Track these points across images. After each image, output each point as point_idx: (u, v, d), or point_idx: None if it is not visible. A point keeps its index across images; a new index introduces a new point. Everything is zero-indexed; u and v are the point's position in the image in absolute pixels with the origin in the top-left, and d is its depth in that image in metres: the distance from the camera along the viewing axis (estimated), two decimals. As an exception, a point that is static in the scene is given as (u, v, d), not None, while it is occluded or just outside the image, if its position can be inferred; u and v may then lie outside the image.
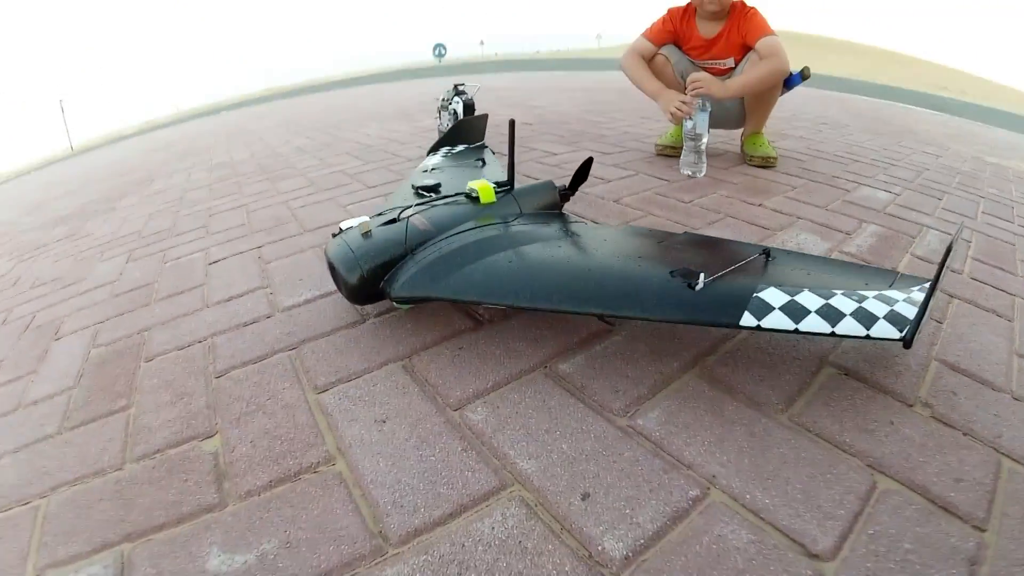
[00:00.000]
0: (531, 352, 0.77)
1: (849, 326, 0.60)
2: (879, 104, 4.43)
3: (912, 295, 0.66)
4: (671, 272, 0.70)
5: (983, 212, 1.56)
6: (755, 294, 0.65)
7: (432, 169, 1.37)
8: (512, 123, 0.98)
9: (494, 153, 1.69)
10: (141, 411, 0.77)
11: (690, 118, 1.57)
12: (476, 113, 2.08)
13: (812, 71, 1.74)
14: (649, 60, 1.81)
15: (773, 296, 0.64)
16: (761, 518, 0.52)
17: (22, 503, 0.64)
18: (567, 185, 1.09)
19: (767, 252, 0.76)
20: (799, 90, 1.83)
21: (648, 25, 1.85)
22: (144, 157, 4.47)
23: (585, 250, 0.83)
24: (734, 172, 1.72)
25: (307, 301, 1.01)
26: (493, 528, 0.51)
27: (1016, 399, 0.70)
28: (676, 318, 0.66)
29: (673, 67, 1.80)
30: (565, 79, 6.21)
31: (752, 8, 1.70)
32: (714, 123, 1.69)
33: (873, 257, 1.12)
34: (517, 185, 1.02)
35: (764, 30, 1.65)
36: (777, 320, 0.62)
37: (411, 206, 0.92)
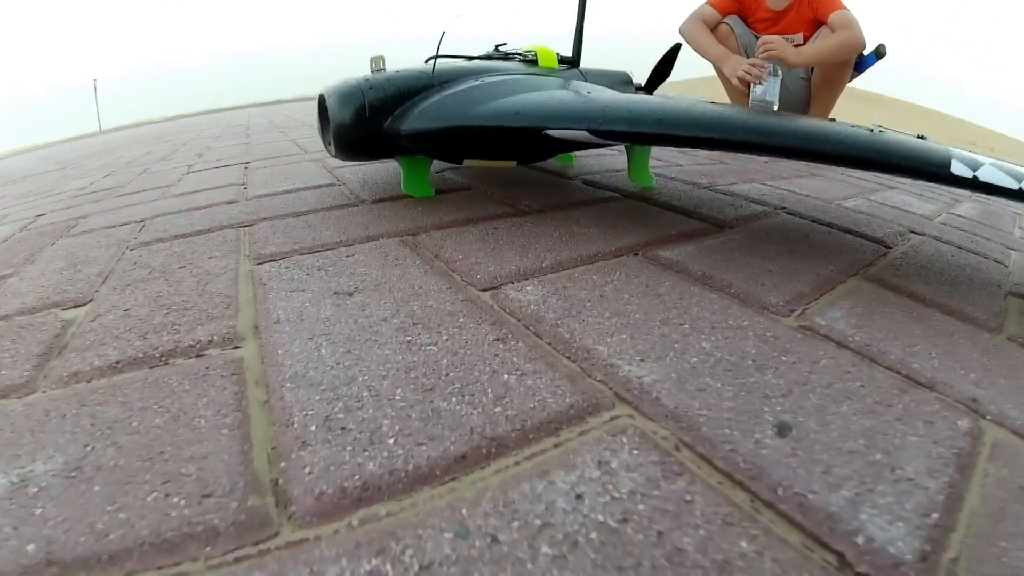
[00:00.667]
0: (609, 237, 0.46)
1: None
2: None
3: None
4: (831, 118, 0.44)
5: None
6: (952, 148, 0.40)
7: None
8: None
9: None
10: (22, 279, 0.48)
11: (760, 83, 1.27)
12: None
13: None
14: (712, 29, 1.53)
15: (973, 157, 0.39)
16: None
17: None
18: (643, 84, 0.79)
19: (922, 136, 0.46)
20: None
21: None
22: (167, 128, 4.28)
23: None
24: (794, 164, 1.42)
25: (286, 192, 0.70)
26: (579, 494, 0.19)
27: None
28: (867, 156, 0.38)
29: (737, 39, 1.51)
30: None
31: None
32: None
33: (989, 221, 0.82)
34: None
35: (837, 4, 1.38)
36: (994, 175, 0.37)
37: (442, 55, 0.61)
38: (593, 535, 0.17)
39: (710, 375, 0.25)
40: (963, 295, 0.40)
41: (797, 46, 1.43)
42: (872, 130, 0.39)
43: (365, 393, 0.24)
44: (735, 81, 1.36)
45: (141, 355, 0.29)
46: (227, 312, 0.33)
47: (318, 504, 0.18)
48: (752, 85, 1.28)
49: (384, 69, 0.54)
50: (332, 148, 0.54)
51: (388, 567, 0.16)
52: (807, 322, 0.32)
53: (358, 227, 0.50)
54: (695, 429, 0.22)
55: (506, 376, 0.26)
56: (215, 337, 0.30)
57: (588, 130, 0.42)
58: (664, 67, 0.80)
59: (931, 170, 0.36)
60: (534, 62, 0.64)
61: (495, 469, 0.20)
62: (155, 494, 0.19)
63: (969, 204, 0.98)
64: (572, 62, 0.70)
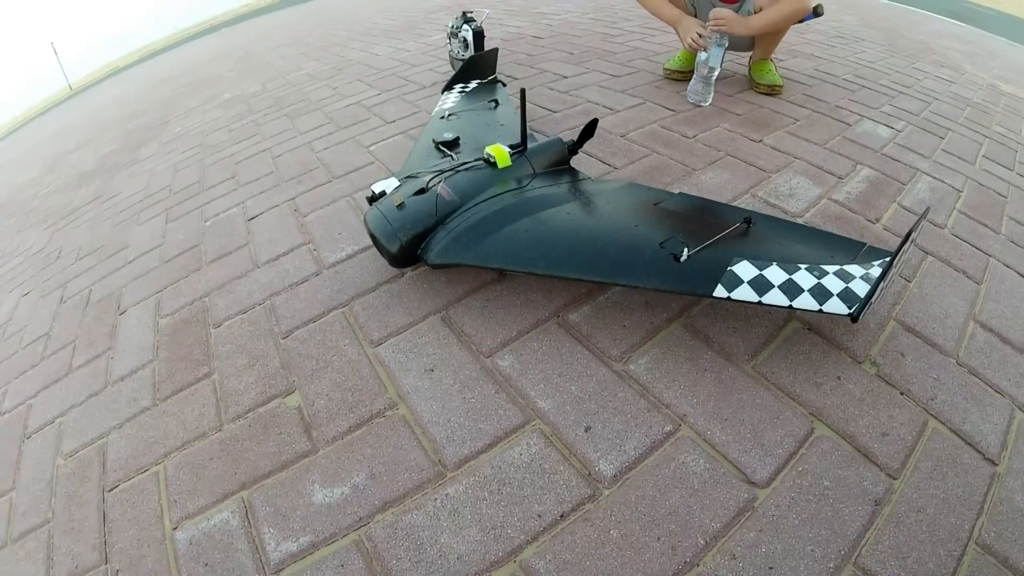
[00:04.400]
0: (546, 303, 0.94)
1: (805, 301, 0.73)
2: (899, 10, 4.22)
3: (871, 271, 0.77)
4: (661, 243, 0.84)
5: (983, 156, 1.57)
6: (729, 267, 0.77)
7: (449, 115, 1.48)
8: (523, 92, 1.07)
9: (504, 84, 1.78)
10: (223, 376, 0.93)
11: (705, 50, 1.62)
12: (485, 40, 2.14)
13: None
14: None
15: (744, 270, 0.77)
16: (717, 451, 0.71)
17: (142, 471, 0.82)
18: (574, 141, 1.21)
19: (749, 220, 0.88)
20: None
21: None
22: (151, 93, 4.46)
23: (591, 215, 0.96)
24: (739, 100, 1.76)
25: (348, 256, 1.16)
26: (521, 454, 0.71)
27: (960, 364, 0.84)
28: (661, 287, 0.79)
29: None
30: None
31: None
32: None
33: (860, 206, 1.22)
34: (530, 143, 1.14)
35: None
36: (744, 293, 0.75)
37: (436, 172, 1.05)
38: (523, 464, 0.70)
39: (569, 404, 0.76)
40: (749, 327, 0.86)
41: (741, 2, 1.73)
42: (678, 258, 0.79)
43: (456, 426, 0.75)
44: (686, 45, 1.71)
45: (357, 422, 0.79)
46: (380, 390, 0.83)
47: (454, 465, 0.71)
48: (698, 51, 1.65)
49: (404, 204, 0.95)
50: (387, 260, 0.97)
51: (475, 478, 0.69)
52: (625, 368, 0.81)
53: (413, 305, 0.97)
54: (557, 429, 0.73)
55: (500, 411, 0.76)
56: (385, 406, 0.80)
57: (525, 272, 0.88)
58: (587, 132, 1.21)
59: (701, 293, 0.76)
60: (494, 164, 1.06)
61: (499, 447, 0.72)
62: (405, 474, 0.71)
63: (864, 174, 1.34)
64: (520, 149, 1.11)
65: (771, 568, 0.61)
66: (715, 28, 1.62)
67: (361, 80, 2.51)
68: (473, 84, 1.74)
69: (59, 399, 1.05)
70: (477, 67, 1.79)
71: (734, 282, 0.76)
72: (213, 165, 1.92)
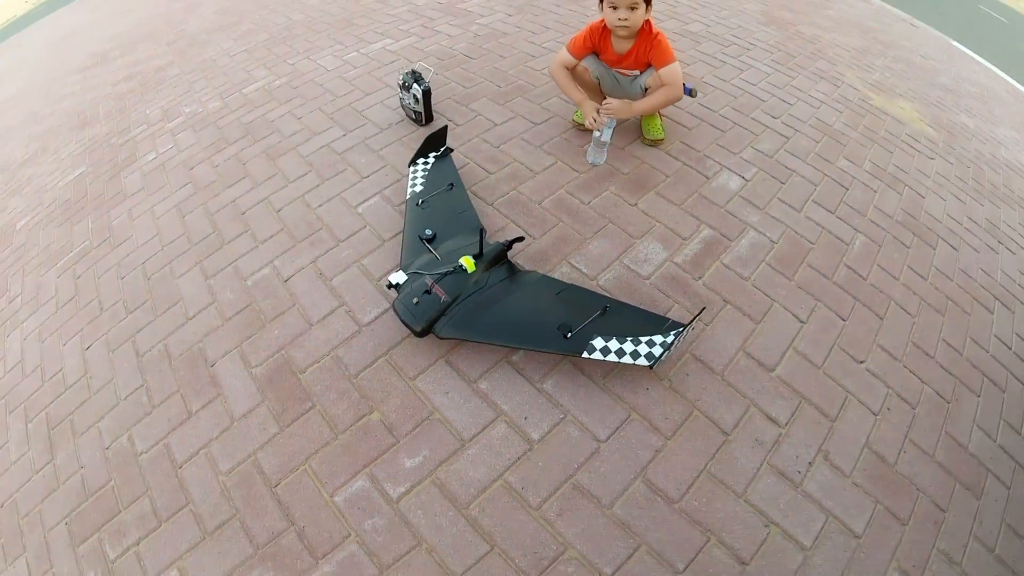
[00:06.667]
0: (499, 348, 1.90)
1: (627, 359, 1.65)
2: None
3: (667, 339, 1.68)
4: (558, 326, 1.79)
5: (813, 200, 2.29)
6: (591, 340, 1.74)
7: (421, 202, 2.29)
8: (482, 230, 2.01)
9: (452, 150, 2.50)
10: (324, 406, 1.82)
11: (600, 130, 2.33)
12: (431, 95, 2.84)
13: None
14: (572, 68, 2.48)
15: (598, 342, 1.71)
16: (584, 427, 1.72)
17: (294, 470, 1.64)
18: (508, 242, 2.08)
19: (606, 307, 1.82)
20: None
21: (573, 36, 2.43)
22: (85, 86, 4.72)
23: (523, 303, 1.90)
24: (628, 155, 2.48)
25: (375, 318, 2.02)
26: (498, 431, 1.71)
27: (723, 380, 1.80)
28: (558, 352, 1.72)
29: (592, 73, 2.48)
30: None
31: (658, 33, 2.26)
32: (622, 96, 2.41)
33: (691, 266, 2.01)
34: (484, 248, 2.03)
35: (667, 57, 2.26)
36: (597, 355, 1.66)
37: (433, 275, 1.93)
38: (502, 438, 1.75)
39: (518, 407, 1.79)
40: (606, 364, 1.84)
41: (634, 77, 2.53)
42: (567, 336, 1.80)
43: (465, 421, 1.78)
44: (587, 124, 2.52)
45: (416, 424, 1.78)
46: (424, 407, 1.80)
47: (470, 439, 1.76)
48: (595, 130, 2.51)
49: (420, 301, 1.84)
50: (414, 334, 1.87)
51: (484, 443, 1.75)
52: (542, 387, 1.82)
53: (428, 352, 1.92)
54: (512, 419, 1.78)
55: (487, 413, 1.78)
56: (428, 415, 1.78)
57: (487, 343, 1.87)
58: (516, 240, 2.10)
59: (577, 354, 1.77)
60: (466, 270, 1.95)
61: (488, 428, 1.76)
62: (446, 447, 1.74)
63: (703, 235, 2.09)
64: (480, 255, 1.99)
65: (605, 477, 1.65)
66: (605, 113, 2.43)
67: (321, 110, 2.96)
68: (431, 158, 2.53)
69: (193, 436, 1.74)
70: (432, 142, 2.59)
71: (593, 349, 1.76)
72: (218, 212, 2.39)
